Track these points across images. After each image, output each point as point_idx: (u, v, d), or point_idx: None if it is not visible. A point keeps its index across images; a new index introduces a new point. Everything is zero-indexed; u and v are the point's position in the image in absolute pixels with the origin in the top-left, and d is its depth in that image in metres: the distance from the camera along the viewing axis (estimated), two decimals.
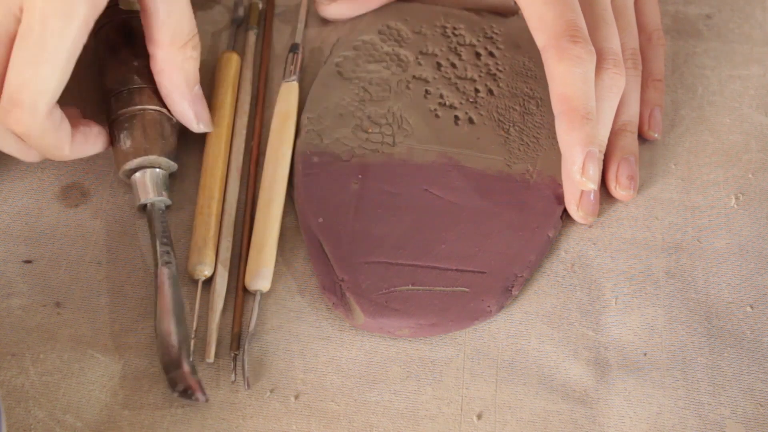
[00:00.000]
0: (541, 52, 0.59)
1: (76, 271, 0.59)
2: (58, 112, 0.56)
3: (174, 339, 0.55)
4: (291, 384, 0.56)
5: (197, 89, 0.60)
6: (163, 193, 0.59)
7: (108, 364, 0.56)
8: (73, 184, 0.62)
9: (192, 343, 0.56)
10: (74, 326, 0.57)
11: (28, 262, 0.59)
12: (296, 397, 0.55)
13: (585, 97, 0.58)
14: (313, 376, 0.56)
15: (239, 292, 0.58)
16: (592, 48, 0.58)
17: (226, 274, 0.58)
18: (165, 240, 0.58)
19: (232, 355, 0.56)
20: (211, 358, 0.56)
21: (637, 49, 0.64)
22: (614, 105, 0.61)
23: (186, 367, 0.54)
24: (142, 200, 0.59)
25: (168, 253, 0.57)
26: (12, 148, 0.58)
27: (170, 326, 0.55)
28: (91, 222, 0.60)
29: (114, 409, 0.54)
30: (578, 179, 0.59)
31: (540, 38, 0.59)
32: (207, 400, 0.54)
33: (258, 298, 0.58)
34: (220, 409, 0.55)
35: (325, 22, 0.69)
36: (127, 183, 0.61)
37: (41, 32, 0.53)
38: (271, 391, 0.56)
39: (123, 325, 0.57)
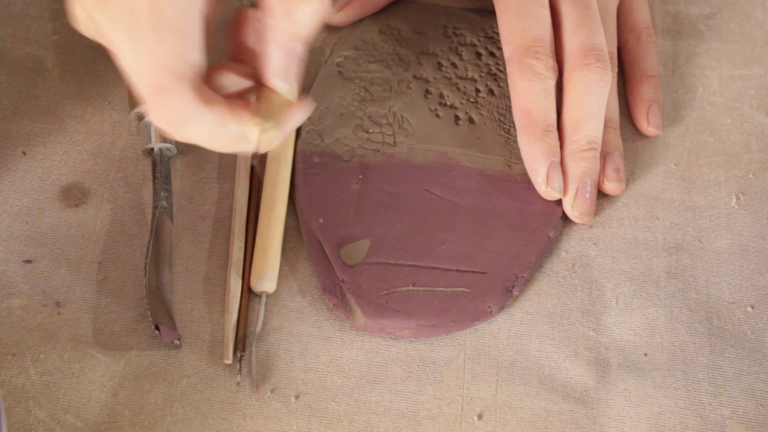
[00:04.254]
0: (506, 64, 0.62)
1: (76, 271, 0.59)
2: (207, 90, 0.51)
3: (158, 279, 0.57)
4: (292, 384, 0.56)
5: (300, 48, 0.51)
6: (171, 141, 0.61)
7: (108, 364, 0.56)
8: (74, 184, 0.62)
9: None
10: (75, 326, 0.57)
11: (29, 261, 0.59)
12: (297, 397, 0.55)
13: (545, 111, 0.60)
14: (314, 376, 0.56)
15: (244, 294, 0.58)
16: (554, 64, 0.61)
17: (239, 276, 0.58)
18: (166, 186, 0.60)
19: (238, 356, 0.56)
20: (229, 359, 0.56)
21: (614, 53, 0.66)
22: (603, 99, 0.61)
23: (169, 310, 0.56)
24: (149, 144, 0.61)
25: (167, 199, 0.59)
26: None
27: (157, 267, 0.57)
28: (91, 222, 0.60)
29: (114, 409, 0.54)
30: (543, 190, 0.60)
31: (506, 50, 0.62)
32: (179, 345, 0.56)
33: (264, 299, 0.57)
34: (221, 409, 0.55)
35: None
36: (137, 127, 0.62)
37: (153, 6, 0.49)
38: (272, 391, 0.56)
39: (123, 325, 0.57)
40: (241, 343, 0.56)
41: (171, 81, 0.49)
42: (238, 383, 0.55)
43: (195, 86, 0.50)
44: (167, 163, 0.61)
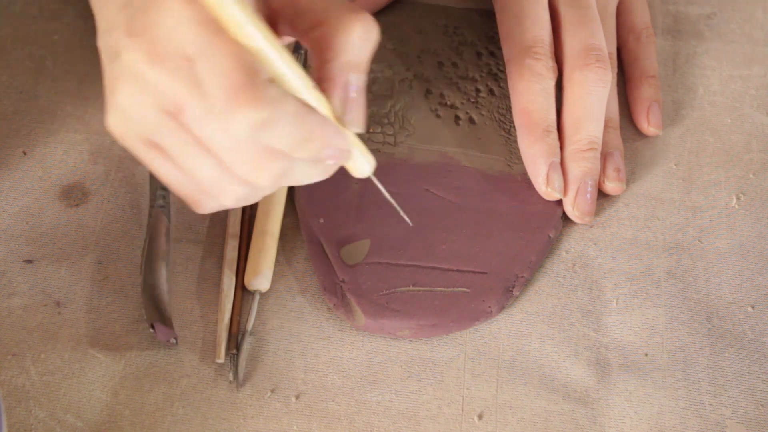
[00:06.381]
0: (506, 65, 0.62)
1: (76, 271, 0.59)
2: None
3: (154, 278, 0.57)
4: (292, 384, 0.56)
5: (358, 79, 0.48)
6: None
7: (109, 364, 0.56)
8: (74, 184, 0.62)
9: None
10: (75, 326, 0.57)
11: (29, 261, 0.59)
12: (297, 397, 0.55)
13: (545, 111, 0.61)
14: (314, 376, 0.56)
15: (238, 292, 0.58)
16: (554, 64, 0.61)
17: (232, 275, 0.58)
18: (163, 184, 0.59)
19: (230, 354, 0.56)
20: (221, 359, 0.56)
21: (614, 53, 0.66)
22: (603, 99, 0.61)
23: (165, 309, 0.56)
24: None
25: (164, 197, 0.59)
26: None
27: (152, 266, 0.57)
28: (91, 222, 0.60)
29: (115, 408, 0.54)
30: (544, 190, 0.60)
31: (506, 51, 0.62)
32: (176, 343, 0.56)
33: (257, 298, 0.57)
34: (221, 409, 0.55)
35: None
36: None
37: None
38: (272, 391, 0.56)
39: (123, 325, 0.57)
40: (234, 341, 0.56)
41: (248, 78, 0.44)
42: (230, 381, 0.55)
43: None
44: None
